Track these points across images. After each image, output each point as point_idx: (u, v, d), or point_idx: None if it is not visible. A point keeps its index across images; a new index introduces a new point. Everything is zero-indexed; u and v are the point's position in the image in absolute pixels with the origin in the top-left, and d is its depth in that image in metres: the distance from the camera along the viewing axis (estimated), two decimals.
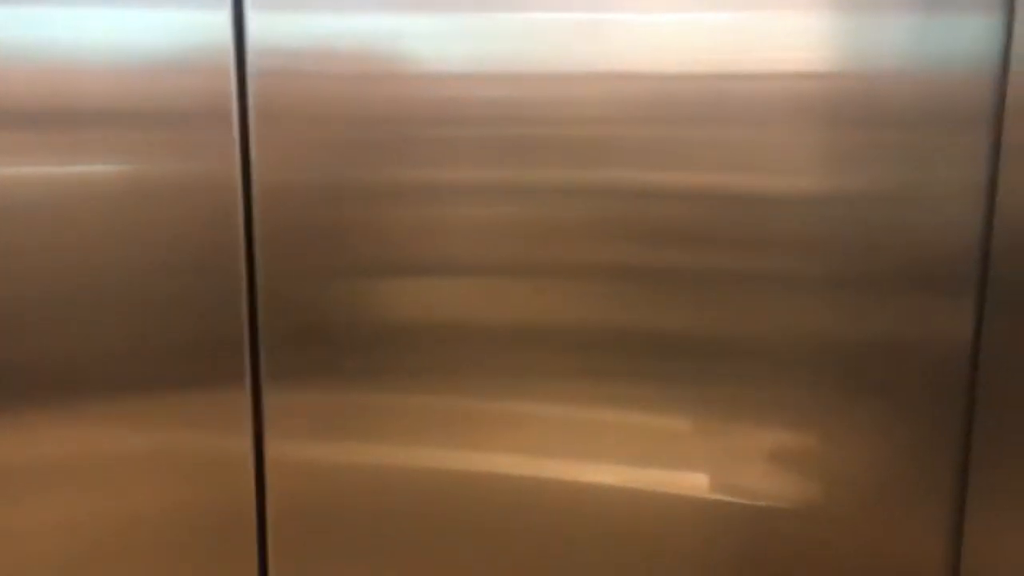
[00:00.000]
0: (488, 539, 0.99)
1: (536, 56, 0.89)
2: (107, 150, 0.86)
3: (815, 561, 1.02)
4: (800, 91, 0.91)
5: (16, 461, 0.89)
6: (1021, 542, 0.97)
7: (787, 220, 0.93)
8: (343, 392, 0.93)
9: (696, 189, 0.92)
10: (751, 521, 1.01)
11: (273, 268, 0.89)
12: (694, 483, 1.01)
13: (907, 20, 0.89)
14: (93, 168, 0.86)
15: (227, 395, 0.91)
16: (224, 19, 0.85)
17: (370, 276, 0.92)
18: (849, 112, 0.91)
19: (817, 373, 0.97)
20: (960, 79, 0.89)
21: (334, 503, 0.96)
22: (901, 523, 0.99)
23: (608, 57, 0.89)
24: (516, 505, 0.99)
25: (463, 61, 0.88)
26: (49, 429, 0.88)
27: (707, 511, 1.01)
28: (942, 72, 0.90)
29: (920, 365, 0.95)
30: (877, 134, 0.91)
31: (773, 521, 1.01)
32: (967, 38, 0.89)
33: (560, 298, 0.94)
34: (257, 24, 0.85)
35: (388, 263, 0.92)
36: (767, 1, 0.89)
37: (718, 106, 0.90)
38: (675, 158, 0.92)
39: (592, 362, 0.96)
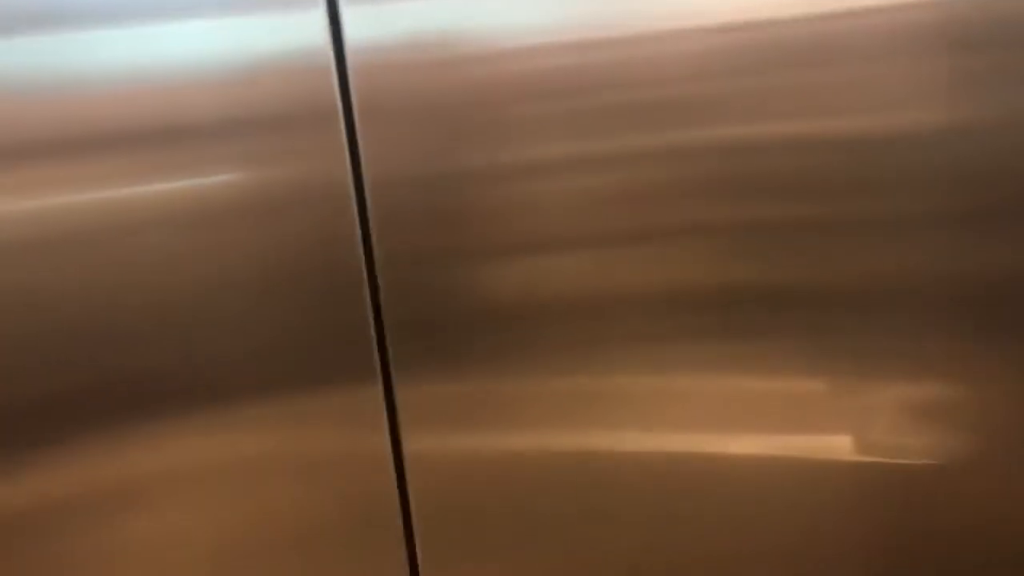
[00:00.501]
0: (635, 521, 0.98)
1: (623, 17, 0.87)
2: (217, 163, 0.86)
3: (966, 517, 1.00)
4: (907, 21, 0.88)
5: (153, 470, 0.89)
6: None
7: (907, 159, 0.91)
8: (476, 379, 0.93)
9: (806, 137, 0.91)
10: (899, 480, 0.99)
11: (392, 260, 0.89)
12: (837, 445, 0.98)
13: None
14: (206, 181, 0.86)
15: (359, 392, 0.90)
16: (319, 18, 0.85)
17: (488, 259, 0.91)
18: (965, 37, 0.88)
19: (952, 318, 0.94)
20: None
21: (479, 494, 0.96)
22: None
23: (696, 10, 0.88)
24: (659, 483, 0.97)
25: (555, 30, 0.87)
26: (184, 438, 0.89)
27: (853, 473, 0.99)
28: None
29: None
30: (997, 58, 0.89)
31: (921, 478, 0.99)
32: None
33: (679, 262, 0.93)
34: (352, 19, 0.85)
35: (503, 244, 0.91)
36: None
37: (821, 49, 0.88)
38: (780, 107, 0.90)
39: (718, 325, 0.94)
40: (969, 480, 0.98)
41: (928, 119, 0.90)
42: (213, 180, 0.87)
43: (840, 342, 0.95)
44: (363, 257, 0.88)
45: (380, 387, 0.90)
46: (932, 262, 0.93)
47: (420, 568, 0.95)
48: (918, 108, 0.90)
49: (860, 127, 0.90)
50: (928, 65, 0.89)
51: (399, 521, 0.93)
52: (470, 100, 0.87)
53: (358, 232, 0.88)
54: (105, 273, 0.85)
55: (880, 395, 0.97)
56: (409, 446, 0.92)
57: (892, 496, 1.00)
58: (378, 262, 0.88)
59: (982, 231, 0.93)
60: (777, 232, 0.92)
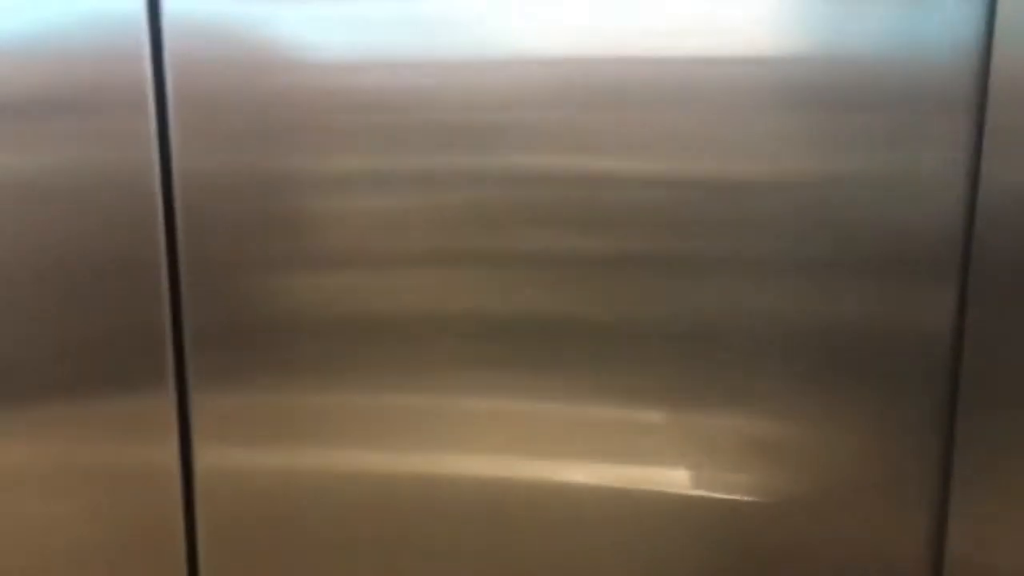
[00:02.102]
0: (443, 549, 0.96)
1: (447, 44, 0.86)
2: (20, 143, 0.83)
3: (796, 554, 0.99)
4: (770, 75, 0.88)
5: None
6: (1005, 532, 0.95)
7: (763, 205, 0.90)
8: (272, 393, 0.90)
9: (668, 176, 0.90)
10: (730, 516, 0.98)
11: (196, 263, 0.86)
12: (671, 479, 0.98)
13: (888, 3, 0.86)
14: (5, 161, 0.83)
15: (151, 399, 0.88)
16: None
17: (294, 270, 0.89)
18: (825, 96, 0.88)
19: (796, 361, 0.94)
20: (942, 63, 0.86)
21: (270, 513, 0.93)
22: (883, 514, 0.96)
23: (553, 43, 0.87)
24: (474, 509, 0.96)
25: (381, 48, 0.86)
26: None
27: (685, 507, 0.98)
28: (923, 56, 0.87)
29: (901, 352, 0.92)
30: (854, 118, 0.88)
31: (753, 515, 0.98)
32: (949, 21, 0.86)
33: (512, 286, 0.91)
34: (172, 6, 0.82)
35: (311, 256, 0.89)
36: None
37: (688, 91, 0.88)
38: (646, 145, 0.89)
39: (550, 353, 0.93)
40: (798, 517, 0.97)
41: (783, 170, 0.90)
42: (13, 160, 0.83)
43: (683, 375, 0.94)
44: (166, 256, 0.85)
45: (173, 396, 0.87)
46: (779, 306, 0.92)
47: None
48: (775, 158, 0.90)
49: (722, 171, 0.90)
50: (785, 119, 0.89)
51: (182, 537, 0.90)
52: (288, 105, 0.85)
53: (162, 229, 0.84)
54: None
55: (718, 431, 0.96)
56: (200, 459, 0.89)
57: (722, 531, 0.99)
58: (182, 264, 0.85)
59: (829, 281, 0.92)
60: (630, 265, 0.92)
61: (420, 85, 0.86)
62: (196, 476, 0.89)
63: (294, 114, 0.85)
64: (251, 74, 0.84)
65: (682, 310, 0.92)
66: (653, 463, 0.97)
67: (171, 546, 0.91)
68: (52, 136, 0.83)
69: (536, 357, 0.93)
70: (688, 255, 0.91)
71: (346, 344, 0.90)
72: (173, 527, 0.90)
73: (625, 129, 0.88)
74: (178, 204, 0.84)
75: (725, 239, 0.91)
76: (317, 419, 0.92)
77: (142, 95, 0.82)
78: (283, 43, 0.85)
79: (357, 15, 0.85)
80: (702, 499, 0.98)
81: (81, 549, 0.90)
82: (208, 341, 0.87)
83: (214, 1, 0.83)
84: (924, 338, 0.92)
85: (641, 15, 0.86)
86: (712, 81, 0.87)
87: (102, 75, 0.82)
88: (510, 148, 0.88)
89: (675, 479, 0.98)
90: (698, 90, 0.87)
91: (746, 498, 0.98)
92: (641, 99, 0.88)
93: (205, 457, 0.89)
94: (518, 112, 0.87)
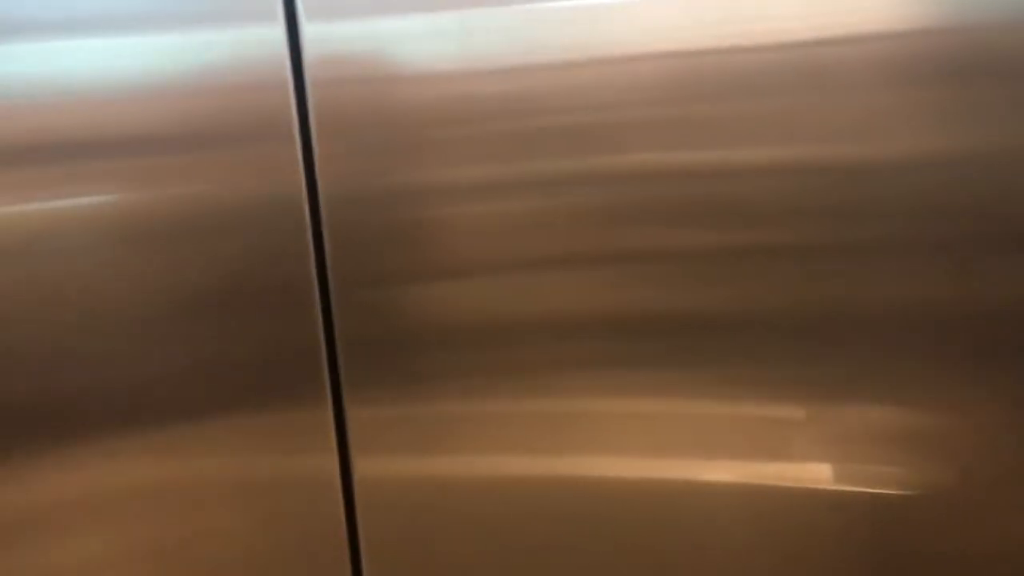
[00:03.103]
0: (598, 550, 0.96)
1: (554, 44, 0.87)
2: (175, 176, 0.86)
3: (944, 548, 0.98)
4: (892, 50, 0.87)
5: (95, 489, 0.89)
6: None
7: (897, 187, 0.89)
8: (423, 401, 0.92)
9: (796, 163, 0.89)
10: (875, 510, 0.97)
11: (345, 278, 0.88)
12: (814, 474, 0.97)
13: None
14: (163, 193, 0.86)
15: (309, 412, 0.90)
16: (279, 32, 0.85)
17: (436, 279, 0.90)
18: (951, 68, 0.87)
19: (938, 348, 0.93)
20: None
21: (430, 519, 0.94)
22: None
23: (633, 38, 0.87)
24: (625, 511, 0.96)
25: (489, 57, 0.87)
26: (130, 458, 0.88)
27: (830, 503, 0.97)
28: None
29: None
30: (984, 91, 0.87)
31: (899, 509, 0.97)
32: None
33: (641, 285, 0.92)
34: (312, 34, 0.85)
35: (452, 265, 0.90)
36: None
37: (807, 75, 0.87)
38: (767, 133, 0.89)
39: (684, 351, 0.93)
40: (947, 511, 0.96)
41: (906, 150, 0.89)
42: (170, 193, 0.86)
43: (821, 368, 0.94)
44: (316, 274, 0.87)
45: (330, 408, 0.89)
46: (911, 290, 0.91)
47: None
48: (896, 138, 0.89)
49: (843, 155, 0.89)
50: (905, 96, 0.88)
51: (346, 546, 0.92)
52: (418, 118, 0.87)
53: (311, 249, 0.87)
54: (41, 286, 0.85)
55: (859, 424, 0.95)
56: (358, 469, 0.91)
57: (869, 526, 0.98)
58: (331, 280, 0.87)
59: (961, 261, 0.91)
60: (759, 257, 0.91)
61: (534, 88, 0.87)
62: (355, 486, 0.91)
63: (425, 127, 0.87)
64: (382, 91, 0.86)
65: (816, 301, 0.92)
66: (795, 459, 0.96)
67: (336, 556, 0.92)
68: (204, 168, 0.86)
69: (672, 355, 0.93)
70: (820, 243, 0.91)
71: (488, 350, 0.91)
72: (337, 537, 0.92)
73: (747, 119, 0.88)
74: (325, 224, 0.87)
75: (858, 224, 0.90)
76: (464, 425, 0.93)
77: (287, 122, 0.85)
78: (408, 57, 0.87)
79: (474, 23, 0.86)
80: (846, 494, 0.97)
81: (248, 561, 0.92)
82: (360, 354, 0.89)
83: (349, 24, 0.86)
84: None
85: (750, 2, 0.86)
86: (832, 62, 0.87)
87: (248, 106, 0.85)
88: (629, 146, 0.89)
89: (818, 474, 0.97)
90: (818, 74, 0.87)
91: (891, 491, 0.97)
92: (762, 86, 0.88)
93: (363, 467, 0.91)
94: (633, 110, 0.88)
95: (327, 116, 0.86)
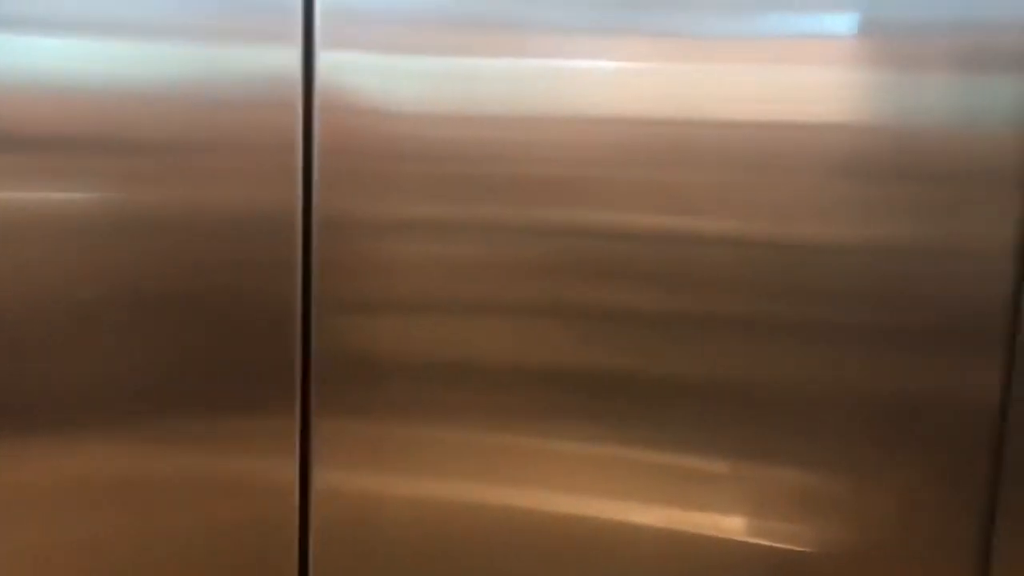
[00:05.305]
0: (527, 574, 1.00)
1: (515, 100, 0.90)
2: (175, 179, 0.88)
3: None
4: (833, 142, 0.91)
5: (60, 479, 0.90)
6: None
7: (821, 269, 0.93)
8: (386, 424, 0.94)
9: (733, 236, 0.93)
10: (782, 565, 1.01)
11: (327, 297, 0.90)
12: (730, 526, 1.01)
13: (942, 77, 0.89)
14: (164, 194, 0.88)
15: (277, 420, 0.92)
16: (295, 55, 0.87)
17: (418, 311, 0.93)
18: (881, 165, 0.91)
19: (849, 421, 0.97)
20: (994, 136, 0.89)
21: (380, 534, 0.97)
22: (927, 569, 0.99)
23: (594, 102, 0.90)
24: (556, 542, 0.99)
25: (475, 101, 0.89)
26: (97, 448, 0.90)
27: (742, 554, 1.01)
28: (976, 128, 0.89)
29: (948, 419, 0.95)
30: (908, 188, 0.91)
31: (805, 565, 1.01)
32: (1003, 95, 0.89)
33: (581, 339, 0.95)
34: (325, 60, 0.87)
35: (420, 300, 0.93)
36: (800, 55, 0.90)
37: (754, 155, 0.91)
38: (706, 205, 0.92)
39: (619, 404, 0.96)
40: (844, 568, 1.00)
41: (836, 235, 0.93)
42: (168, 194, 0.88)
43: (739, 430, 0.98)
44: (301, 290, 0.89)
45: (297, 418, 0.91)
46: (835, 370, 0.95)
47: None
48: (830, 224, 0.92)
49: (780, 233, 0.93)
50: (840, 186, 0.91)
51: (296, 554, 0.94)
52: (399, 154, 0.89)
53: (300, 266, 0.89)
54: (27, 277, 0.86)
55: (775, 484, 0.99)
56: (317, 480, 0.93)
57: None
58: (314, 297, 0.90)
59: (880, 348, 0.95)
60: (694, 323, 0.94)
61: (503, 139, 0.90)
62: (312, 494, 0.93)
63: (406, 163, 0.89)
64: (378, 124, 0.89)
65: (745, 368, 0.95)
66: (714, 510, 1.00)
67: (284, 560, 0.94)
68: (205, 175, 0.88)
69: (608, 408, 0.96)
70: (749, 315, 0.94)
71: (445, 383, 0.94)
72: (288, 544, 0.94)
73: (691, 189, 0.91)
74: (315, 244, 0.89)
75: (785, 301, 0.94)
76: (421, 449, 0.95)
77: (292, 141, 0.88)
78: (399, 96, 0.89)
79: (469, 70, 0.89)
80: (757, 547, 1.01)
81: (199, 561, 0.94)
82: (332, 372, 0.91)
83: (361, 56, 0.88)
84: (971, 407, 0.94)
85: (713, 81, 0.89)
86: (777, 145, 0.90)
87: (256, 121, 0.87)
88: (583, 203, 0.91)
89: (733, 526, 1.01)
90: (763, 154, 0.90)
91: (798, 548, 1.00)
92: (709, 161, 0.91)
93: (322, 478, 0.93)
94: (590, 169, 0.90)
95: (330, 140, 0.88)
